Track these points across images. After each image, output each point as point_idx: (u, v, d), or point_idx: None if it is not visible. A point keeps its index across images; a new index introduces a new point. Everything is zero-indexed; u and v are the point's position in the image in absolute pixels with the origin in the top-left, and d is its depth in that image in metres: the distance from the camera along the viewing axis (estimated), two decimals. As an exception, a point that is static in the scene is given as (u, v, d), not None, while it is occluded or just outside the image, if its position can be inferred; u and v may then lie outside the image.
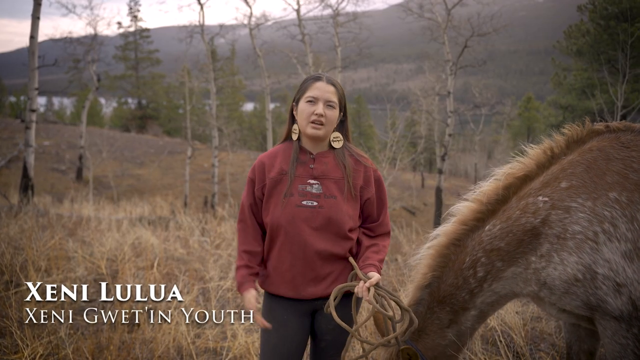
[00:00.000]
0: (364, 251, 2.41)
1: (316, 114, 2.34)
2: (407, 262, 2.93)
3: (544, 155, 2.41)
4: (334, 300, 2.24)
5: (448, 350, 2.46)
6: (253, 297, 2.39)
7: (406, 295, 2.63)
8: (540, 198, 2.25)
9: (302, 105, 2.39)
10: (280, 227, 2.36)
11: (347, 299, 2.40)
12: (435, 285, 2.46)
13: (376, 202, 2.47)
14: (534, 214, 2.24)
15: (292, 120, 2.50)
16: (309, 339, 2.54)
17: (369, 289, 2.20)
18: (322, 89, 2.37)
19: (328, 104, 2.37)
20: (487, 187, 2.47)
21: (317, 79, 2.42)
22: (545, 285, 2.24)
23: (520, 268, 2.29)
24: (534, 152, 2.46)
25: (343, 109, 2.48)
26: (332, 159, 2.44)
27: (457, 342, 2.48)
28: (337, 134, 2.46)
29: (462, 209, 2.50)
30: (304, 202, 2.35)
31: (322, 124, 2.35)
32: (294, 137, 2.46)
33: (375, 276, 2.25)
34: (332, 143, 2.45)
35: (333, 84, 2.41)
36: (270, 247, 2.44)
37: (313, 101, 2.36)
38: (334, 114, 2.40)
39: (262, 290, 2.54)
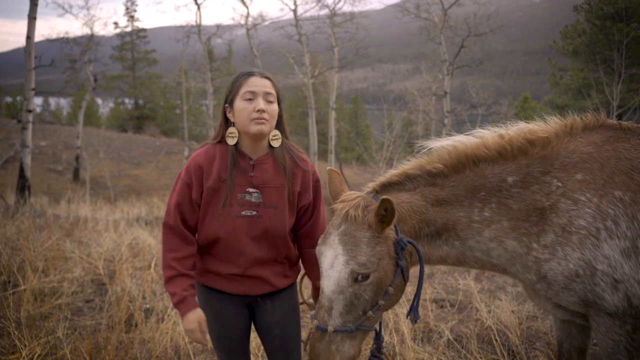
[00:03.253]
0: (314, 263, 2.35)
1: (258, 110, 2.21)
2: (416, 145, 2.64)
3: (564, 128, 2.40)
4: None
5: (421, 232, 2.28)
6: (200, 318, 2.23)
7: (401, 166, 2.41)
8: (555, 181, 2.25)
9: (240, 103, 2.25)
10: (219, 239, 2.30)
11: (289, 291, 2.49)
12: (439, 181, 2.30)
13: (312, 208, 2.42)
14: (547, 196, 2.23)
15: (226, 123, 2.34)
16: (260, 340, 2.52)
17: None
18: (258, 84, 2.24)
19: (267, 99, 2.25)
20: (511, 131, 2.38)
21: (250, 74, 2.28)
22: (545, 279, 2.25)
23: (522, 249, 2.26)
24: (555, 122, 2.45)
25: (279, 104, 2.36)
26: (271, 165, 2.33)
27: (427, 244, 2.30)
28: (275, 131, 2.34)
29: (486, 134, 2.41)
30: (243, 212, 2.28)
31: (265, 119, 2.23)
32: (231, 141, 2.30)
33: None
34: (270, 142, 2.34)
35: (268, 78, 2.29)
36: (206, 251, 2.39)
37: (251, 98, 2.23)
38: (275, 108, 2.28)
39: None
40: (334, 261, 2.11)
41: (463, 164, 2.31)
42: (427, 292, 5.03)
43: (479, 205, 2.27)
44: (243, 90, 2.25)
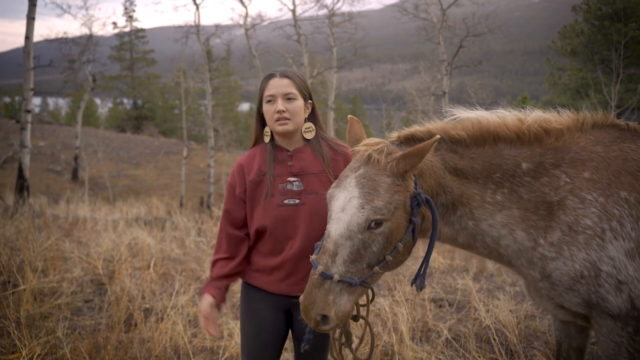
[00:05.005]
0: None
1: (277, 112, 2.32)
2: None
3: (576, 122, 2.39)
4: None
5: (437, 199, 2.23)
6: (211, 305, 2.39)
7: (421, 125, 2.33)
8: (564, 176, 2.24)
9: (264, 107, 2.38)
10: (265, 229, 2.38)
11: None
12: (460, 149, 2.26)
13: None
14: (555, 190, 2.23)
15: (262, 123, 2.47)
16: (293, 344, 2.54)
17: None
18: (276, 85, 2.34)
19: (287, 98, 2.34)
20: (529, 117, 2.34)
21: (270, 76, 2.39)
22: (549, 279, 2.23)
23: (530, 242, 2.24)
24: (567, 115, 2.44)
25: (309, 97, 2.44)
26: (309, 153, 2.41)
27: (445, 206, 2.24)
28: (308, 124, 2.43)
29: (507, 115, 2.37)
30: (286, 201, 2.35)
31: (287, 119, 2.33)
32: (267, 139, 2.45)
33: None
34: (304, 135, 2.43)
35: (287, 76, 2.37)
36: (253, 246, 2.48)
37: (272, 100, 2.34)
38: (297, 105, 2.36)
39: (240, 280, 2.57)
40: (346, 204, 2.02)
41: (485, 138, 2.29)
42: (426, 292, 5.04)
43: (492, 187, 2.25)
44: (265, 94, 2.37)
